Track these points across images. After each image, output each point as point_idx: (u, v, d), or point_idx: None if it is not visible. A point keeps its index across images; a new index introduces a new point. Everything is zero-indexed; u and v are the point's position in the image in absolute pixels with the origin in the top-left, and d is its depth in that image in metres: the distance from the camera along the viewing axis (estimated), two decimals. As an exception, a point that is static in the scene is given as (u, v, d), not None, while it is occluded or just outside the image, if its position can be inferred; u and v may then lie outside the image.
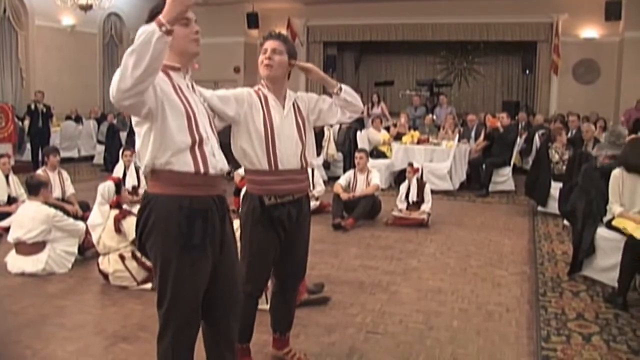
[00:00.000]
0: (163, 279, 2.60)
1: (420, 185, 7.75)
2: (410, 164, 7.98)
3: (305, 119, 3.28)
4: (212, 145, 2.65)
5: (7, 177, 7.24)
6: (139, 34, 2.31)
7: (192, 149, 2.55)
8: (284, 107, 3.20)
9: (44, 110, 12.23)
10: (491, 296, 4.90)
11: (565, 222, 7.11)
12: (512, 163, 10.28)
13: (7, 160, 7.33)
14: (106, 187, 5.34)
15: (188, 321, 2.65)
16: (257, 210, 3.15)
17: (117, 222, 5.09)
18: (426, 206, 7.59)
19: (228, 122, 3.10)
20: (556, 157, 8.28)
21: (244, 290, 3.28)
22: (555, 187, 7.77)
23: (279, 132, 3.13)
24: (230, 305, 2.81)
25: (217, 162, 2.64)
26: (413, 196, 7.66)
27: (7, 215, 6.71)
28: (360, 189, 7.73)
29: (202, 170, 2.56)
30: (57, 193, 7.27)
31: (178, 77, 2.63)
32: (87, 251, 5.69)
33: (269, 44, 3.18)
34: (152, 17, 2.54)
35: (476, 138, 11.36)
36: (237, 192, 4.71)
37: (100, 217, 5.21)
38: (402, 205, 7.70)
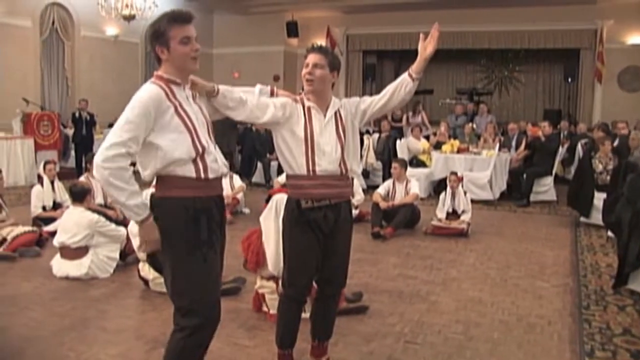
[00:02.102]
0: (179, 280, 2.69)
1: (461, 194, 7.68)
2: (454, 173, 7.89)
3: (347, 127, 3.31)
4: (212, 152, 2.79)
5: (52, 183, 7.42)
6: (136, 209, 2.62)
7: (194, 160, 2.69)
8: (325, 116, 3.25)
9: (88, 118, 12.51)
10: (532, 308, 4.81)
11: (610, 233, 6.97)
12: (553, 173, 10.10)
13: (52, 166, 7.52)
14: (149, 195, 5.40)
15: (208, 318, 2.73)
16: (295, 213, 3.24)
17: None
18: (466, 216, 7.51)
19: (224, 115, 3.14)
20: (600, 167, 8.11)
21: (287, 295, 3.36)
22: (599, 198, 7.63)
23: (318, 140, 3.19)
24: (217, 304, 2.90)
25: (219, 167, 2.80)
26: (458, 205, 7.58)
27: (53, 220, 6.88)
28: (400, 198, 7.69)
29: (202, 176, 2.71)
30: (99, 199, 7.43)
31: (179, 91, 2.75)
32: (128, 257, 5.78)
33: (311, 58, 3.21)
34: (156, 37, 2.75)
35: (517, 147, 11.22)
36: (268, 199, 4.74)
37: None
38: (442, 214, 7.63)
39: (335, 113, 3.29)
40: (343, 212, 3.34)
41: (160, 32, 2.71)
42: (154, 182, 2.80)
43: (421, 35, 3.32)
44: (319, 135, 3.20)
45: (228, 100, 3.04)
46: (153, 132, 2.62)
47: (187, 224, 2.66)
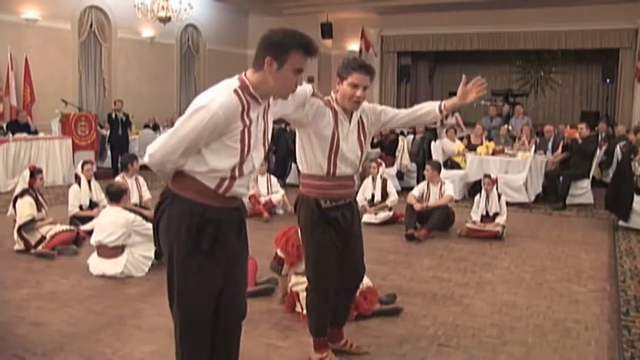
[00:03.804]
0: (171, 278, 2.69)
1: (494, 197, 7.58)
2: (488, 176, 7.79)
3: (367, 133, 3.48)
4: (246, 177, 2.68)
5: (89, 182, 7.54)
6: None
7: (223, 178, 2.60)
8: (350, 123, 3.38)
9: (123, 118, 12.66)
10: (568, 313, 4.74)
11: (650, 237, 6.83)
12: (591, 175, 9.92)
13: (90, 166, 7.65)
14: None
15: (195, 323, 2.71)
16: (315, 212, 3.36)
17: None
18: (501, 218, 7.42)
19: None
20: (639, 170, 7.94)
21: (316, 289, 3.49)
22: (639, 202, 7.49)
23: (343, 145, 3.33)
24: (234, 313, 2.84)
25: (240, 191, 2.69)
26: (492, 208, 7.49)
27: (90, 219, 7.00)
28: (434, 200, 7.64)
29: (220, 192, 2.62)
30: (134, 199, 7.54)
31: (254, 107, 2.59)
32: (163, 256, 5.83)
33: (360, 80, 3.26)
34: (272, 47, 2.54)
35: (553, 149, 11.05)
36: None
37: None
38: (477, 216, 7.55)
39: (358, 121, 3.42)
40: (355, 209, 3.58)
41: (283, 47, 2.51)
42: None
43: (464, 77, 3.44)
44: (344, 141, 3.33)
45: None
46: (212, 142, 2.52)
47: (190, 230, 2.57)
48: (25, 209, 6.33)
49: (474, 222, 7.49)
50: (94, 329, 4.28)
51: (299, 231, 3.59)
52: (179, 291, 2.67)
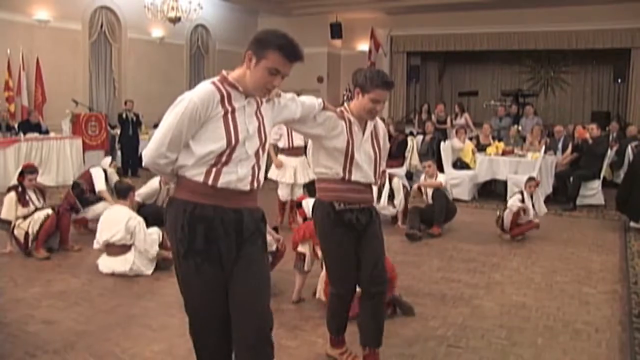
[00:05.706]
0: (178, 280, 2.75)
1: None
2: (532, 178, 7.68)
3: (382, 144, 3.56)
4: (236, 166, 2.60)
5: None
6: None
7: (211, 165, 2.58)
8: (364, 132, 3.43)
9: (134, 118, 12.72)
10: (579, 314, 4.71)
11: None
12: (601, 176, 9.86)
13: (115, 162, 8.00)
14: None
15: (202, 325, 2.75)
16: (331, 215, 3.40)
17: None
18: (541, 212, 7.56)
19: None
20: (651, 171, 7.88)
21: (338, 293, 3.53)
22: (651, 202, 7.43)
23: (358, 154, 3.38)
24: (253, 323, 2.66)
25: (229, 179, 2.59)
26: (530, 207, 7.43)
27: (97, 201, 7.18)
28: (429, 193, 7.78)
29: (210, 183, 2.58)
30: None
31: (237, 97, 2.61)
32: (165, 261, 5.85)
33: (382, 96, 3.35)
34: (259, 44, 2.59)
35: (563, 150, 10.99)
36: (299, 205, 4.94)
37: None
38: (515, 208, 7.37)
39: (372, 131, 3.49)
40: (373, 215, 3.54)
41: (263, 44, 2.55)
42: None
43: None
44: (358, 151, 3.38)
45: (291, 101, 3.08)
46: (197, 133, 2.55)
47: (183, 228, 2.60)
48: (4, 205, 6.38)
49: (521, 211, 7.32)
50: (103, 327, 4.30)
51: (317, 237, 3.66)
52: (182, 291, 2.74)
